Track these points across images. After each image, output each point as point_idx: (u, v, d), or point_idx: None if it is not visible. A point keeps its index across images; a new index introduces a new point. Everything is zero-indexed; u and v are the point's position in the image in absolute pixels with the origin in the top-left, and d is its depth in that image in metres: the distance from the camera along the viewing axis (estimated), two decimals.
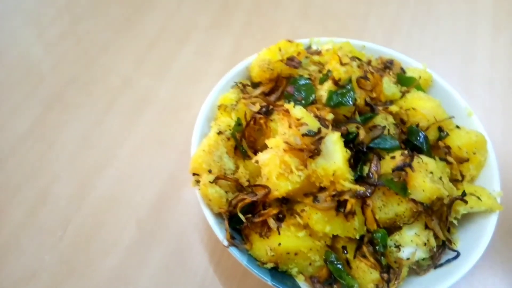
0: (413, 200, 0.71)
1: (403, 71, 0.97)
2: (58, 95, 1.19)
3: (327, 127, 0.75)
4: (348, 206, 0.70)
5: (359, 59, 0.92)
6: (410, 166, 0.73)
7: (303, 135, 0.72)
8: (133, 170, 1.05)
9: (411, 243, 0.73)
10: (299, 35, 1.34)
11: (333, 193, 0.71)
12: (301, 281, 0.75)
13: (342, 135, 0.76)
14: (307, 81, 0.86)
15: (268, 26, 1.39)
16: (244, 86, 0.94)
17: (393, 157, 0.76)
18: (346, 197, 0.70)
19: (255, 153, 0.82)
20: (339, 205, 0.71)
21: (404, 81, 0.93)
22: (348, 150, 0.74)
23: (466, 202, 0.76)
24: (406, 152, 0.75)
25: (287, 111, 0.75)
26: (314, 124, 0.74)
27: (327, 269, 0.74)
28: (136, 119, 1.14)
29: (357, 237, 0.73)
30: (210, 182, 0.74)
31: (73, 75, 1.24)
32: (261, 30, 1.38)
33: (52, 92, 1.20)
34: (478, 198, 0.77)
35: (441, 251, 0.77)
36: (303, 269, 0.75)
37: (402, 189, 0.72)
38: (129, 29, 1.37)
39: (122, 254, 0.92)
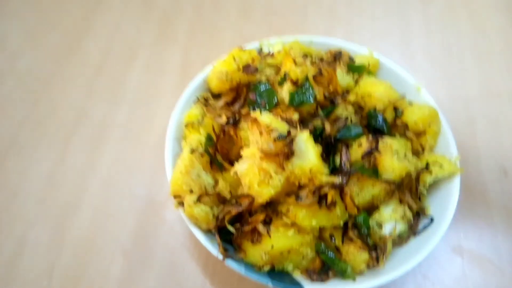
0: (386, 181, 0.77)
1: (351, 60, 1.02)
2: (10, 139, 1.14)
3: (295, 127, 0.79)
4: (329, 198, 0.74)
5: (310, 56, 0.97)
6: (377, 149, 0.78)
7: (275, 140, 0.75)
8: (108, 202, 1.03)
9: (390, 219, 0.79)
10: (245, 36, 1.37)
11: (313, 188, 0.75)
12: (297, 275, 0.79)
13: (310, 132, 0.80)
14: (267, 86, 0.89)
15: (212, 32, 1.40)
16: (206, 99, 0.95)
17: (360, 145, 0.81)
18: (326, 190, 0.74)
19: (231, 163, 0.84)
20: (320, 198, 0.75)
21: (355, 69, 0.98)
22: (319, 145, 0.78)
23: (431, 172, 0.83)
24: (370, 137, 0.81)
25: (255, 119, 0.78)
26: (283, 128, 0.77)
27: (319, 259, 0.79)
28: (99, 150, 1.12)
29: (341, 224, 0.78)
30: (194, 202, 0.75)
31: (23, 116, 1.18)
32: (206, 37, 1.38)
33: (4, 137, 1.14)
34: (440, 166, 0.84)
35: (417, 220, 0.83)
36: (298, 264, 0.79)
37: (374, 172, 0.77)
38: (71, 58, 1.32)
39: None
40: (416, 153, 0.90)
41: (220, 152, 0.85)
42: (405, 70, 1.01)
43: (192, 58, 1.32)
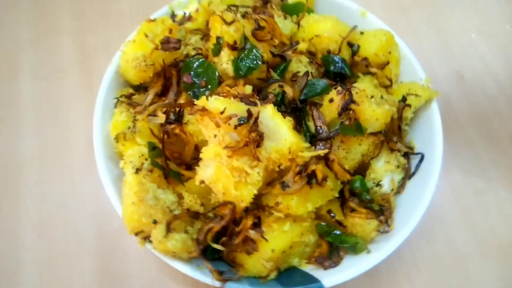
0: (372, 134, 0.66)
1: None
2: None
3: (254, 103, 0.63)
4: (319, 175, 0.62)
5: (236, 6, 0.79)
6: (352, 101, 0.66)
7: (236, 127, 0.59)
8: (53, 251, 0.82)
9: (386, 173, 0.70)
10: (147, 3, 1.11)
11: (298, 169, 0.62)
12: (306, 267, 0.68)
13: (273, 103, 0.65)
14: (201, 60, 0.71)
15: (104, 7, 1.13)
16: (129, 97, 0.75)
17: (331, 100, 0.68)
18: (313, 167, 0.62)
19: (188, 167, 0.68)
20: (309, 177, 0.63)
21: (292, 10, 0.83)
22: (289, 118, 0.64)
23: (409, 105, 0.74)
24: (339, 88, 0.68)
25: (203, 109, 0.61)
26: (240, 109, 0.61)
27: (325, 242, 0.69)
28: (17, 192, 0.87)
29: (337, 195, 0.67)
30: (164, 236, 0.59)
31: None
32: (99, 15, 1.11)
33: None
34: (416, 94, 0.75)
35: (408, 161, 0.75)
36: (302, 254, 0.69)
37: (358, 128, 0.65)
38: None
39: None
40: (385, 87, 0.80)
41: (171, 159, 0.68)
42: None
43: (90, 46, 1.06)
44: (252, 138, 0.60)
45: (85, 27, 1.08)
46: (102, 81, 0.76)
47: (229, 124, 0.59)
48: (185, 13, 0.82)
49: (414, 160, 0.76)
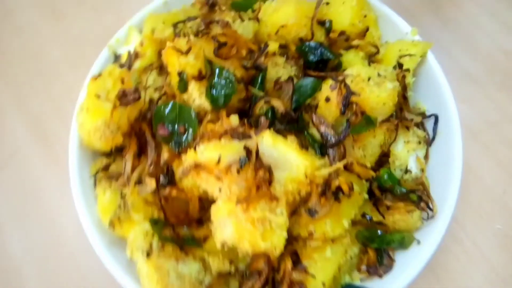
0: (385, 121, 0.59)
1: None
2: None
3: (247, 135, 0.55)
4: (345, 188, 0.55)
5: (183, 23, 0.68)
6: (351, 93, 0.58)
7: (239, 171, 0.51)
8: None
9: (409, 154, 0.63)
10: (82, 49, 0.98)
11: (320, 190, 0.55)
12: (359, 281, 0.63)
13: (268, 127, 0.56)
14: (170, 103, 0.61)
15: (36, 61, 0.99)
16: (106, 169, 0.65)
17: (327, 99, 0.59)
18: (336, 182, 0.55)
19: (199, 222, 0.60)
20: (335, 193, 0.56)
21: (244, 5, 0.72)
22: (291, 137, 0.56)
23: (408, 70, 0.66)
24: (332, 82, 0.59)
25: (196, 166, 0.52)
26: (235, 148, 0.53)
27: (371, 249, 0.62)
28: None
29: (366, 196, 0.61)
30: None
31: None
32: (34, 71, 0.97)
33: None
34: (409, 54, 0.67)
35: (423, 128, 0.68)
36: (350, 268, 0.63)
37: (368, 122, 0.58)
38: None
39: None
40: (372, 57, 0.72)
41: (178, 223, 0.59)
42: None
43: (37, 111, 0.93)
44: (261, 177, 0.52)
45: (23, 91, 0.95)
46: (69, 162, 0.66)
47: (231, 173, 0.51)
48: (129, 51, 0.70)
49: (428, 123, 0.70)
